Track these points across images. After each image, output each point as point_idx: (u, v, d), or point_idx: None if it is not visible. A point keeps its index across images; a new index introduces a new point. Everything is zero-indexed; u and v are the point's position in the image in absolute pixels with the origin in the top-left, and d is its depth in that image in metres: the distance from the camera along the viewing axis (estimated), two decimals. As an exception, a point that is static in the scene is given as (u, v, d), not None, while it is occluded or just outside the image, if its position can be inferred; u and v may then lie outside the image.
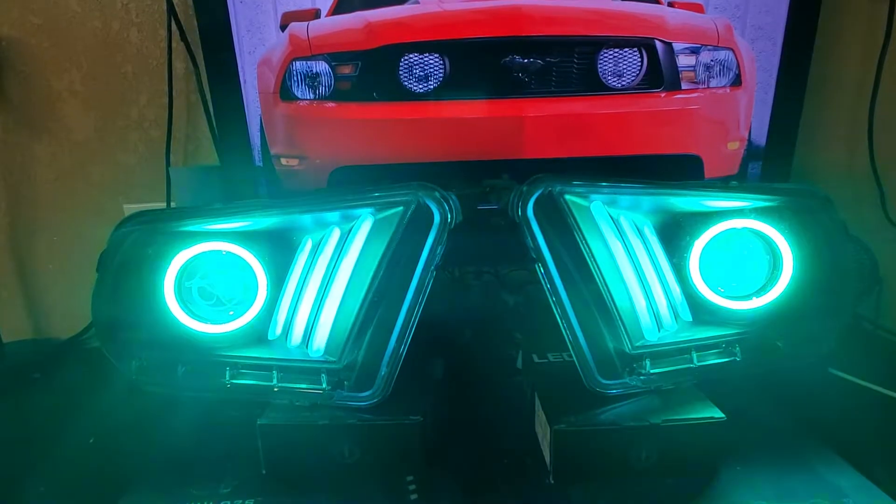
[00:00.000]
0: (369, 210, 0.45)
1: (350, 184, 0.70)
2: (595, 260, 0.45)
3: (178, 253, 0.47)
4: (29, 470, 0.50)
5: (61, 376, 0.73)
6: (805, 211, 0.47)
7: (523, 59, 0.66)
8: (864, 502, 0.41)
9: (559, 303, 0.45)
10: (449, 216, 0.43)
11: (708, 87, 0.69)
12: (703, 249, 0.48)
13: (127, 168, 0.81)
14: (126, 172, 0.81)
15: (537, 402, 0.50)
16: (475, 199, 0.58)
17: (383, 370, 0.45)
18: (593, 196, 0.45)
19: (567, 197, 0.44)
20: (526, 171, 0.66)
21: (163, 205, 0.79)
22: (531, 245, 0.44)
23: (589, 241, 0.44)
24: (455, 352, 0.67)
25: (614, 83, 0.67)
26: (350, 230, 0.46)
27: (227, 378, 0.47)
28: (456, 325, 0.70)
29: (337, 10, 0.68)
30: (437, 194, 0.43)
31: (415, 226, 0.43)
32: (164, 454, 0.51)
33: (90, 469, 0.51)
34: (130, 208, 0.81)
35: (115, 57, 0.77)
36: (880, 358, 0.69)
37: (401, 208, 0.43)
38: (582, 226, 0.44)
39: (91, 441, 0.55)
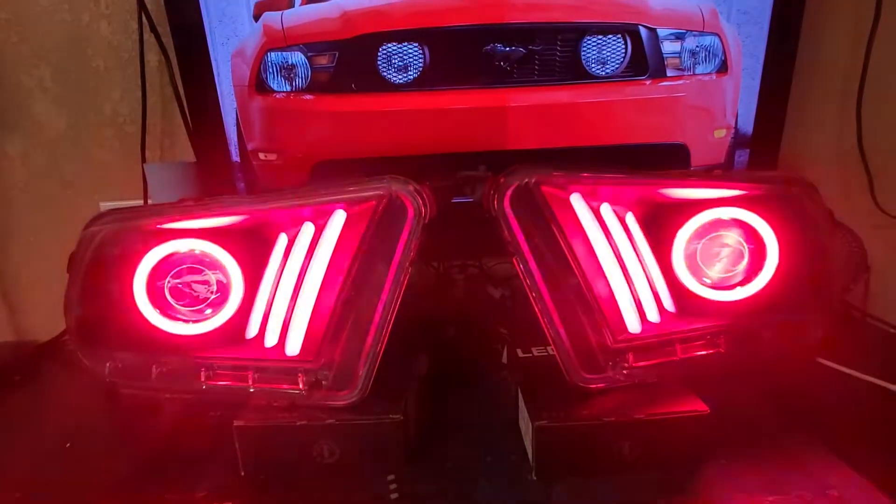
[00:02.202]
0: (342, 205, 0.43)
1: (332, 178, 0.69)
2: (575, 253, 0.44)
3: (148, 252, 0.45)
4: (5, 475, 0.49)
5: (41, 379, 0.71)
6: (790, 199, 0.46)
7: (505, 48, 0.64)
8: (850, 493, 0.41)
9: (539, 298, 0.44)
10: (423, 210, 0.42)
11: (693, 74, 0.68)
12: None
13: (102, 165, 0.79)
14: (101, 170, 0.79)
15: (520, 398, 0.49)
16: (450, 191, 0.57)
17: (361, 369, 0.44)
18: (573, 187, 0.44)
19: (545, 189, 0.42)
20: (510, 162, 0.64)
21: (140, 202, 0.77)
22: (509, 239, 0.43)
23: (568, 234, 0.43)
24: (440, 347, 0.66)
25: (598, 71, 0.66)
26: (324, 225, 0.44)
27: (203, 379, 0.46)
28: (441, 321, 0.69)
29: (311, -2, 0.66)
30: (410, 188, 0.42)
31: (388, 220, 0.42)
32: (141, 457, 0.50)
33: (67, 473, 0.49)
34: (107, 206, 0.79)
35: (85, 51, 0.75)
36: (869, 347, 0.68)
37: (373, 202, 0.42)
38: (560, 218, 0.43)
39: (68, 445, 0.54)
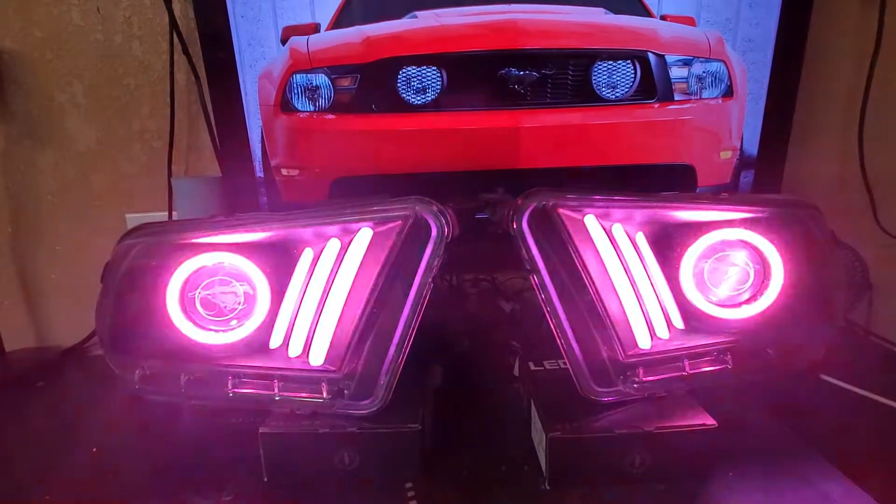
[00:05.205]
0: (369, 223, 0.46)
1: (351, 194, 0.71)
2: (588, 271, 0.45)
3: (180, 265, 0.47)
4: (33, 479, 0.51)
5: (64, 384, 0.73)
6: (794, 221, 0.48)
7: (519, 72, 0.67)
8: (852, 506, 0.42)
9: (553, 313, 0.46)
10: (446, 230, 0.44)
11: (700, 98, 0.70)
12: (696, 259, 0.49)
13: (129, 178, 0.82)
14: (128, 183, 0.82)
15: (533, 410, 0.51)
16: (471, 212, 0.59)
17: (382, 379, 0.46)
18: (587, 209, 0.46)
19: (560, 211, 0.45)
20: (522, 180, 0.67)
21: (164, 214, 0.80)
22: (526, 257, 0.45)
23: (582, 253, 0.45)
24: (454, 359, 0.68)
25: (608, 94, 0.69)
26: (349, 242, 0.47)
27: (230, 387, 0.48)
28: (455, 333, 0.71)
29: (336, 24, 0.69)
30: (434, 209, 0.44)
31: (413, 239, 0.44)
32: (167, 462, 0.51)
33: (94, 478, 0.51)
34: (132, 218, 0.82)
35: (117, 69, 0.78)
36: (871, 364, 0.69)
37: (399, 222, 0.44)
38: (575, 238, 0.45)
39: (94, 450, 0.55)
